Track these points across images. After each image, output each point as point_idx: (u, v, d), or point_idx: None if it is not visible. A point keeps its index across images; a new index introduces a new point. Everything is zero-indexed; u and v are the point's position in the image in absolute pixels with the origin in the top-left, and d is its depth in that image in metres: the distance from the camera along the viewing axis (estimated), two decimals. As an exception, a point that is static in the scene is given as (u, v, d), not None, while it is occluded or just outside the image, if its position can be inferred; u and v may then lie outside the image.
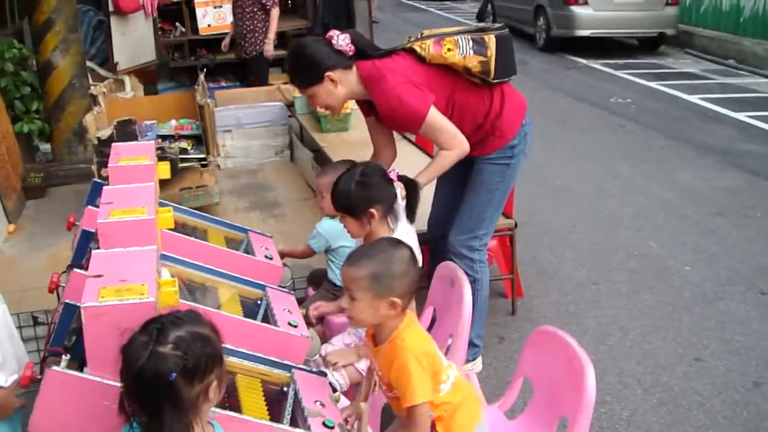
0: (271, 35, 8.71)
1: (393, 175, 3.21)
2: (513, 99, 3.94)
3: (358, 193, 3.12)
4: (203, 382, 1.96)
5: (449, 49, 3.66)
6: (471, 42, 3.70)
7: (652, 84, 12.19)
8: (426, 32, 3.80)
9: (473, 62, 3.68)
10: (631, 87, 12.11)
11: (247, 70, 9.20)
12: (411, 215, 3.29)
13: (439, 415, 2.60)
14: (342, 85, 3.60)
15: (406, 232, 3.21)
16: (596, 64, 13.98)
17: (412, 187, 3.26)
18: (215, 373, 2.01)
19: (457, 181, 4.09)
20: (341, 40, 3.55)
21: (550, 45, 15.13)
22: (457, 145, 3.68)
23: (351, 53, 3.58)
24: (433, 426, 2.62)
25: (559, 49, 14.99)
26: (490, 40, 3.75)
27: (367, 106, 3.85)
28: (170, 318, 2.00)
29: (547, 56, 14.79)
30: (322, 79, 3.57)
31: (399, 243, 2.63)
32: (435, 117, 3.61)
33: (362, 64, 3.62)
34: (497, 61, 3.72)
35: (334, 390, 3.04)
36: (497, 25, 3.93)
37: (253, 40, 8.66)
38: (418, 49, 3.68)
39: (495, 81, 3.77)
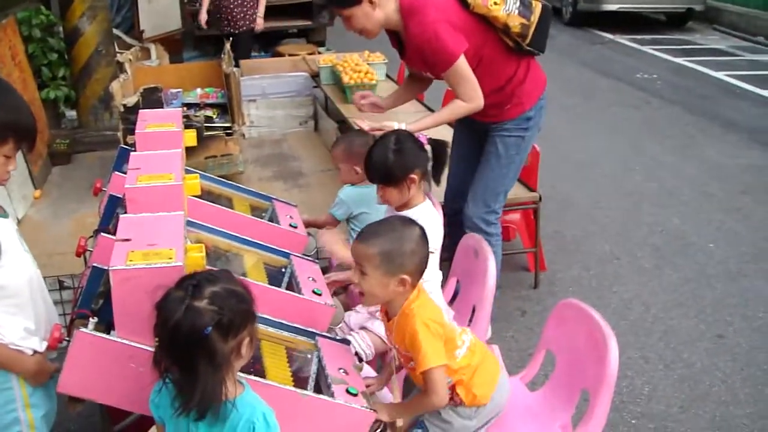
0: (262, 8, 8.57)
1: (423, 139, 3.23)
2: (536, 73, 3.94)
3: (397, 161, 3.13)
4: (237, 338, 1.98)
5: (496, 3, 3.64)
6: (518, 2, 3.69)
7: (679, 60, 12.09)
8: None
9: (515, 22, 3.66)
10: (657, 63, 12.01)
11: (232, 45, 8.95)
12: (438, 178, 3.30)
13: (459, 379, 2.62)
14: (380, 9, 3.57)
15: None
16: (623, 39, 13.87)
17: (441, 150, 3.27)
18: (248, 329, 2.03)
19: (473, 155, 4.08)
20: None
21: (576, 19, 15.02)
22: (475, 98, 3.68)
23: None
24: (453, 390, 2.64)
25: (586, 23, 14.88)
26: (537, 6, 3.76)
27: (394, 39, 3.83)
28: (205, 275, 2.02)
29: (574, 31, 14.68)
30: (361, 1, 3.54)
31: (410, 221, 2.64)
32: (463, 65, 3.60)
33: None
34: (536, 29, 3.71)
35: (360, 359, 3.07)
36: None
37: (242, 14, 8.48)
38: None
39: (527, 48, 3.75)
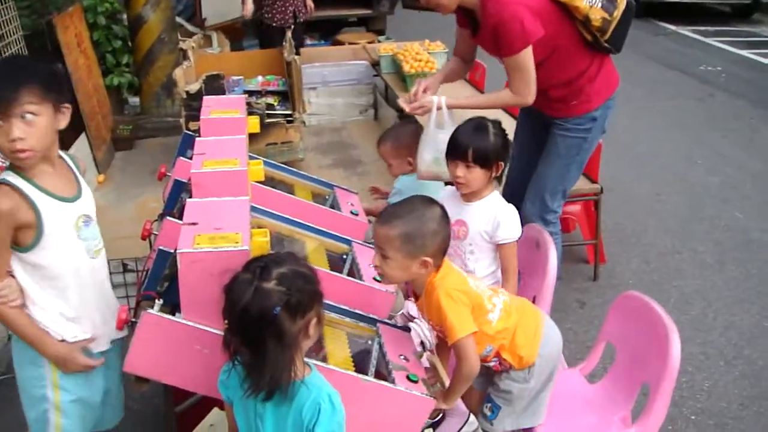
0: None
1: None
2: (609, 72, 3.88)
3: (496, 144, 3.13)
4: (304, 318, 2.01)
5: None
6: None
7: (744, 52, 11.87)
8: None
9: (596, 15, 3.61)
10: (721, 55, 11.80)
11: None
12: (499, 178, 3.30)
13: (500, 344, 2.63)
14: None
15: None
16: (686, 31, 13.65)
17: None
18: (315, 310, 2.06)
19: (535, 150, 4.04)
20: None
21: (638, 10, 14.70)
22: (525, 93, 3.62)
23: None
24: (499, 357, 2.64)
25: (648, 14, 14.65)
26: (621, 2, 3.71)
27: (465, 17, 3.78)
28: (272, 257, 2.05)
29: (636, 21, 14.20)
30: None
31: (431, 201, 2.61)
32: (526, 56, 3.54)
33: None
34: (617, 26, 3.66)
35: (424, 347, 3.08)
36: None
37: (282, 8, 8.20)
38: None
39: (605, 44, 3.70)
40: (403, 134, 3.82)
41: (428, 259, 2.47)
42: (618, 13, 3.65)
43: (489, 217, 3.14)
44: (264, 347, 1.95)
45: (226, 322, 2.01)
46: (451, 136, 3.19)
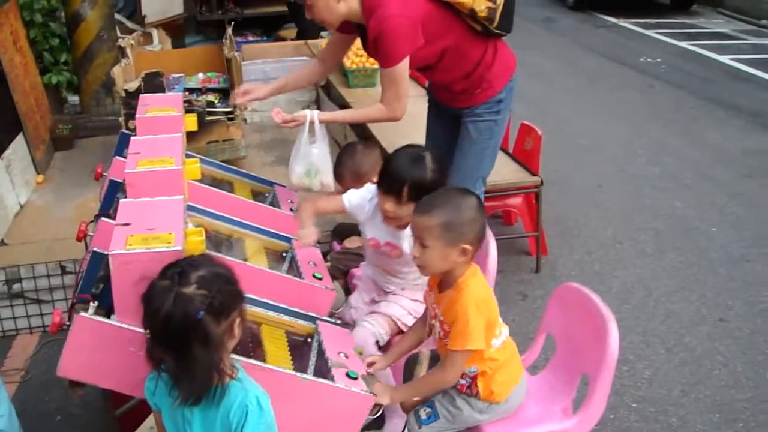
0: None
1: None
2: (504, 54, 3.87)
3: (436, 180, 2.92)
4: (228, 319, 2.00)
5: None
6: None
7: (683, 44, 12.05)
8: None
9: (481, 6, 3.59)
10: (661, 46, 11.97)
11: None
12: None
13: (483, 370, 2.66)
14: (344, 2, 3.49)
15: None
16: (626, 23, 13.81)
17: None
18: (238, 309, 2.06)
19: (450, 144, 4.04)
20: None
21: (580, 3, 14.96)
22: (396, 108, 3.58)
23: None
24: (474, 380, 2.67)
25: (589, 7, 14.83)
26: None
27: (355, 29, 3.76)
28: (188, 261, 2.04)
29: (577, 14, 14.62)
30: None
31: (466, 191, 2.66)
32: (403, 70, 3.51)
33: None
34: (503, 11, 3.67)
35: (377, 344, 3.08)
36: None
37: None
38: None
39: (495, 30, 3.71)
40: (364, 164, 3.79)
41: (468, 246, 2.51)
42: (501, 0, 3.66)
43: None
44: (190, 352, 1.93)
45: (147, 331, 1.98)
46: (385, 167, 3.00)
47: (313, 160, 3.50)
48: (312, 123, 3.50)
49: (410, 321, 3.19)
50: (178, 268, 1.99)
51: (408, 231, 3.00)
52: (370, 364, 2.71)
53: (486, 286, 2.64)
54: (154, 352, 1.99)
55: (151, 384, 2.11)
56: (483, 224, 2.58)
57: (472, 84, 3.80)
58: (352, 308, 3.36)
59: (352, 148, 3.95)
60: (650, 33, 12.94)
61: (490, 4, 3.62)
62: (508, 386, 2.72)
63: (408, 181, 2.90)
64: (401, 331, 3.20)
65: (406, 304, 3.24)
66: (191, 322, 1.92)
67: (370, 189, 3.18)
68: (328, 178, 3.54)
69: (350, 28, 3.76)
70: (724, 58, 11.06)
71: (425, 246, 2.52)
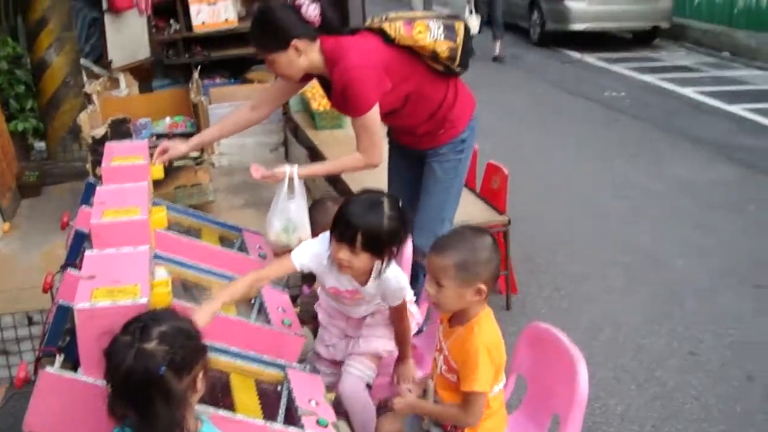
0: None
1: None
2: (464, 93, 3.93)
3: (392, 227, 2.75)
4: (191, 374, 1.99)
5: (420, 32, 3.63)
6: (442, 27, 3.68)
7: (647, 77, 12.20)
8: (392, 14, 3.74)
9: (443, 47, 3.65)
10: (625, 80, 12.11)
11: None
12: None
13: None
14: (305, 56, 3.52)
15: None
16: (591, 58, 13.98)
17: (408, 217, 2.99)
18: (201, 363, 2.04)
19: (410, 182, 4.06)
20: (311, 10, 3.47)
21: (544, 39, 15.11)
22: (372, 153, 3.61)
23: (317, 25, 3.50)
24: (461, 428, 2.67)
25: (554, 43, 14.97)
26: (460, 27, 3.76)
27: (316, 80, 3.81)
28: (149, 315, 2.03)
29: (542, 50, 14.77)
30: (286, 47, 3.47)
31: (481, 231, 2.69)
32: (373, 117, 3.55)
33: (326, 39, 3.56)
34: (463, 49, 3.73)
35: (368, 386, 3.07)
36: (451, 13, 3.89)
37: None
38: (388, 30, 3.62)
39: (458, 69, 3.77)
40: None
41: (483, 286, 2.54)
42: (460, 39, 3.71)
43: (380, 291, 2.99)
44: (152, 409, 1.91)
45: (109, 386, 1.97)
46: (339, 212, 2.76)
47: (291, 216, 3.48)
48: (291, 179, 3.47)
49: (391, 346, 3.20)
50: (140, 323, 1.98)
51: (368, 285, 2.92)
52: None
53: (497, 329, 2.67)
54: (116, 407, 1.98)
55: None
56: (498, 264, 2.63)
57: (436, 125, 3.84)
58: (329, 346, 3.29)
59: (322, 204, 3.85)
60: (614, 67, 13.10)
61: (451, 44, 3.68)
62: None
63: (361, 229, 2.69)
64: (381, 358, 3.21)
65: (379, 332, 3.19)
66: (153, 379, 1.90)
67: (325, 238, 2.91)
68: (306, 234, 3.52)
69: (303, 78, 3.78)
70: (687, 91, 11.21)
71: (441, 285, 2.55)
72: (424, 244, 3.84)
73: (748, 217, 6.55)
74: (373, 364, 3.18)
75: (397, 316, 3.14)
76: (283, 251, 3.51)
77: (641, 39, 15.41)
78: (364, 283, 2.91)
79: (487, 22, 13.50)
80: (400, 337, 3.20)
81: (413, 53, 3.66)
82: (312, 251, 2.94)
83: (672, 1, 14.87)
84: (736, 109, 10.13)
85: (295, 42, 3.47)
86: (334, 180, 5.61)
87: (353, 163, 3.69)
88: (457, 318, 2.66)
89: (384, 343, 3.20)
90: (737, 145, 8.60)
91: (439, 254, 2.57)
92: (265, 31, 3.54)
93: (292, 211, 3.46)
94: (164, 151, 3.72)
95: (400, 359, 3.24)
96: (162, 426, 1.93)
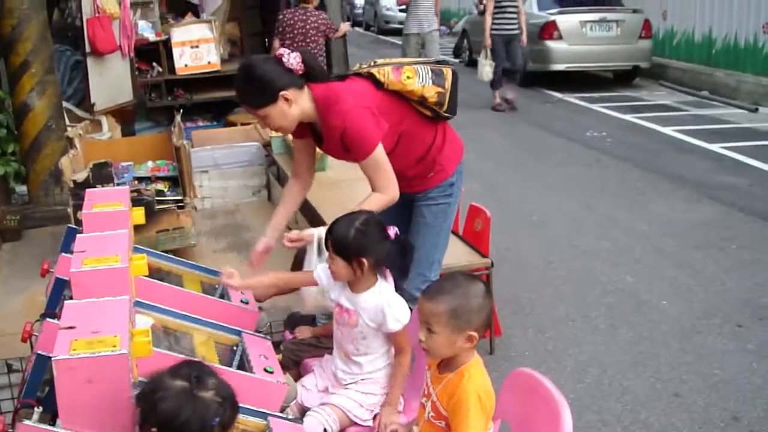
0: None
1: (391, 233, 3.16)
2: (453, 137, 3.98)
3: (356, 239, 3.05)
4: (230, 429, 1.99)
5: (408, 77, 3.65)
6: (430, 72, 3.72)
7: (627, 117, 12.30)
8: (380, 60, 3.78)
9: (431, 92, 3.69)
10: (606, 120, 12.21)
11: None
12: (404, 272, 3.29)
13: None
14: (296, 105, 3.51)
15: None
16: (572, 98, 14.10)
17: (408, 249, 3.24)
18: (235, 419, 2.06)
19: (404, 230, 4.06)
20: (292, 58, 3.46)
21: (526, 79, 15.20)
22: (391, 189, 3.63)
23: (301, 72, 3.50)
24: None
25: (535, 83, 15.10)
26: (448, 72, 3.79)
27: (303, 129, 3.78)
28: (199, 365, 2.05)
29: (523, 90, 14.86)
30: (276, 99, 3.46)
31: (473, 278, 2.72)
32: (380, 154, 3.56)
33: (315, 86, 3.56)
34: (451, 94, 3.76)
35: None
36: (442, 59, 3.95)
37: None
38: (377, 74, 3.64)
39: (445, 114, 3.79)
40: None
41: (474, 333, 2.55)
42: (448, 84, 3.75)
43: (375, 310, 3.12)
44: None
45: (153, 430, 1.94)
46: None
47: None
48: (320, 239, 3.47)
49: (359, 413, 3.20)
50: (194, 371, 1.97)
51: (363, 296, 3.14)
52: None
53: (487, 376, 2.68)
54: None
55: None
56: (489, 311, 2.65)
57: (425, 168, 3.86)
58: (306, 389, 3.33)
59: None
60: (595, 107, 13.21)
61: (440, 89, 3.71)
62: None
63: (331, 236, 3.10)
64: (352, 423, 3.20)
65: (356, 397, 3.23)
66: (207, 427, 1.91)
67: None
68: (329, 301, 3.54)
69: (305, 132, 3.79)
70: (668, 130, 11.30)
71: (432, 332, 2.56)
72: (412, 286, 3.86)
73: (730, 256, 6.57)
74: (336, 417, 3.18)
75: (397, 348, 3.23)
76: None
77: (622, 79, 15.59)
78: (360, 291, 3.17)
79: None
80: (394, 378, 3.25)
81: (402, 98, 3.69)
82: (325, 266, 3.25)
83: (651, 41, 15.05)
84: (716, 147, 10.22)
85: (284, 93, 3.46)
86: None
87: (376, 204, 3.63)
88: (447, 364, 2.66)
89: (351, 405, 3.22)
90: (718, 184, 8.66)
91: (432, 300, 2.58)
92: (252, 87, 3.52)
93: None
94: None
95: (386, 404, 3.24)
96: None
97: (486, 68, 12.59)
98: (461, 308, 2.54)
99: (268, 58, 3.57)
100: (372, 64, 3.76)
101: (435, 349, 2.61)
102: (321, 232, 3.47)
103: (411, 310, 3.24)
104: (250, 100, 3.57)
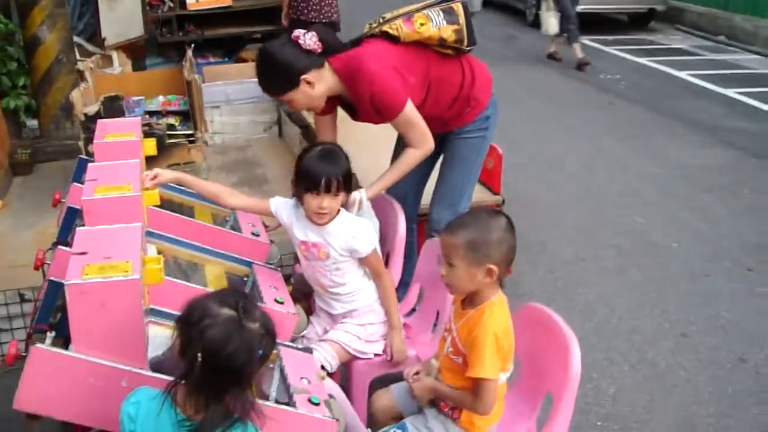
0: None
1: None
2: (479, 67, 3.91)
3: (348, 168, 3.14)
4: (265, 363, 2.04)
5: (422, 24, 3.60)
6: (441, 13, 3.67)
7: (642, 60, 12.18)
8: (388, 15, 3.71)
9: (448, 32, 3.64)
10: (620, 63, 12.10)
11: None
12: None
13: None
14: (318, 85, 3.49)
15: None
16: (586, 40, 13.89)
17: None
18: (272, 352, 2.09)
19: (428, 163, 4.05)
20: (308, 39, 3.42)
21: (539, 21, 15.05)
22: (426, 143, 3.63)
23: (320, 50, 3.47)
24: (457, 408, 2.66)
25: (550, 24, 14.92)
26: (458, 7, 3.73)
27: (330, 105, 3.75)
28: (241, 294, 2.07)
29: (537, 32, 14.67)
30: (298, 84, 3.45)
31: (496, 212, 2.71)
32: (411, 110, 3.54)
33: (334, 59, 3.52)
34: (467, 27, 3.71)
35: (324, 370, 3.07)
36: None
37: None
38: (390, 30, 3.59)
39: (468, 48, 3.75)
40: None
41: (493, 267, 2.53)
42: (462, 19, 3.70)
43: (344, 236, 3.14)
44: (227, 391, 1.93)
45: (198, 356, 1.92)
46: (306, 170, 3.07)
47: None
48: (360, 201, 3.44)
49: (359, 345, 3.25)
50: (241, 300, 1.98)
51: (331, 227, 3.14)
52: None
53: (508, 316, 2.65)
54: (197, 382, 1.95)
55: (132, 409, 2.03)
56: (512, 246, 2.61)
57: (461, 105, 3.84)
58: (305, 338, 3.35)
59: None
60: (609, 49, 13.08)
61: (456, 27, 3.67)
62: (490, 422, 2.71)
63: (337, 175, 3.04)
64: (353, 357, 3.26)
65: (353, 330, 3.26)
66: (253, 360, 1.93)
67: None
68: (379, 253, 3.53)
69: (329, 107, 3.76)
70: (683, 74, 11.21)
71: (452, 265, 2.55)
72: (441, 217, 3.90)
73: (741, 201, 6.55)
74: (336, 355, 3.20)
75: (374, 272, 3.27)
76: None
77: (637, 22, 15.40)
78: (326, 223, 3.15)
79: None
80: (384, 301, 3.28)
81: (421, 45, 3.65)
82: (287, 204, 3.25)
83: (668, -17, 14.85)
84: (731, 92, 10.15)
85: (304, 77, 3.44)
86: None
87: (414, 159, 3.66)
88: (470, 300, 2.65)
89: (348, 338, 3.25)
90: (731, 128, 8.61)
91: (451, 233, 2.57)
92: (272, 75, 3.51)
93: None
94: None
95: (389, 328, 3.29)
96: (238, 405, 1.95)
97: (551, 20, 11.68)
98: (479, 240, 2.52)
99: (285, 43, 3.50)
100: (381, 21, 3.69)
101: (455, 283, 2.60)
102: (361, 193, 3.46)
103: (436, 233, 3.27)
104: (272, 87, 3.58)
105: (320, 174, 3.01)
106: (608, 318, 4.73)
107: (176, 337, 1.98)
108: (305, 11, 7.83)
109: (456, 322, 2.67)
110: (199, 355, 1.91)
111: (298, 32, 3.46)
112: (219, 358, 1.91)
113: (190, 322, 1.94)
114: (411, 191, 4.18)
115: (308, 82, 3.46)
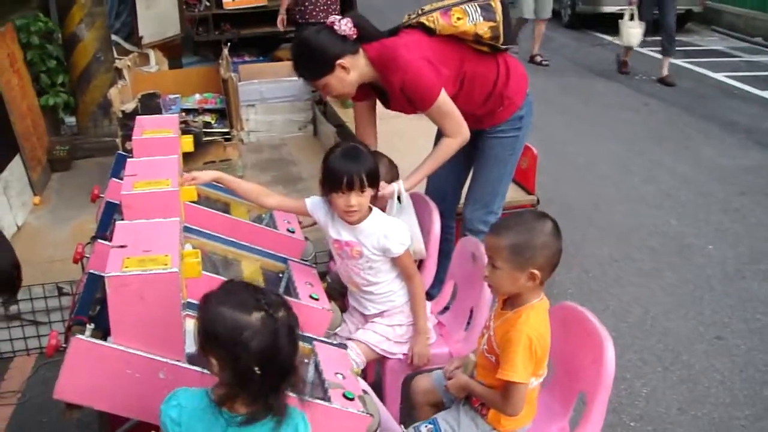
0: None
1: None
2: (515, 66, 3.90)
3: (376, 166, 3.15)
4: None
5: (459, 18, 3.60)
6: (479, 9, 3.66)
7: (678, 61, 12.07)
8: (427, 7, 3.71)
9: (484, 28, 3.64)
10: (656, 64, 11.97)
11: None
12: None
13: None
14: (353, 71, 3.51)
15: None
16: (621, 41, 13.83)
17: None
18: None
19: (464, 162, 4.05)
20: (343, 25, 3.45)
21: (575, 21, 15.01)
22: (462, 132, 3.64)
23: (355, 37, 3.49)
24: (485, 405, 2.69)
25: (585, 25, 14.86)
26: (497, 4, 3.72)
27: (365, 92, 3.77)
28: (241, 284, 2.08)
29: (572, 33, 14.68)
30: (333, 69, 3.47)
31: (542, 215, 2.69)
32: (445, 100, 3.55)
33: (369, 47, 3.54)
34: (504, 25, 3.71)
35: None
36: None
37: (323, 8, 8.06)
38: (426, 23, 3.60)
39: (503, 46, 3.75)
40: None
41: (536, 272, 2.54)
42: (499, 16, 3.68)
43: (377, 235, 3.14)
44: (290, 378, 2.02)
45: (256, 369, 1.94)
46: (329, 170, 3.07)
47: (413, 230, 3.50)
48: (399, 192, 3.48)
49: (387, 346, 3.26)
50: (252, 295, 2.00)
51: (363, 226, 3.13)
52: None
53: (546, 321, 2.64)
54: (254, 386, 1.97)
55: (175, 412, 2.04)
56: (556, 251, 2.61)
57: (495, 103, 3.84)
58: (338, 336, 3.36)
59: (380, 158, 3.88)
60: (645, 51, 12.96)
61: (492, 23, 3.66)
62: (519, 424, 2.72)
63: (364, 172, 3.02)
64: (383, 357, 3.29)
65: (382, 330, 3.28)
66: (296, 342, 2.01)
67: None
68: (419, 245, 3.55)
69: (365, 94, 3.79)
70: (719, 75, 11.11)
71: (495, 267, 2.56)
72: (474, 216, 3.93)
73: (778, 203, 6.50)
74: (363, 354, 3.22)
75: (405, 273, 3.26)
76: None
77: (673, 23, 15.25)
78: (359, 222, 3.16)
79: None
80: (412, 305, 3.29)
81: (457, 40, 3.65)
82: (323, 203, 3.26)
83: (705, -16, 14.71)
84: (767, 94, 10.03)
85: (340, 61, 3.47)
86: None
87: (450, 147, 3.68)
88: (511, 302, 2.66)
89: (376, 339, 3.27)
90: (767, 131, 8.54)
91: (495, 235, 2.58)
92: (307, 60, 3.54)
93: (409, 226, 3.43)
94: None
95: (415, 333, 3.30)
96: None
97: (636, 30, 10.72)
98: (524, 244, 2.53)
99: (321, 29, 3.53)
100: (420, 12, 3.70)
101: (498, 285, 2.61)
102: (400, 185, 3.49)
103: (473, 232, 3.27)
104: (308, 72, 3.60)
105: (342, 172, 3.02)
106: (642, 319, 4.70)
107: (211, 358, 1.98)
108: (313, 12, 7.91)
109: (495, 321, 2.68)
110: (257, 368, 1.93)
111: (334, 18, 3.50)
112: (277, 362, 1.95)
113: (226, 341, 1.93)
114: (450, 191, 4.20)
115: (343, 67, 3.49)
